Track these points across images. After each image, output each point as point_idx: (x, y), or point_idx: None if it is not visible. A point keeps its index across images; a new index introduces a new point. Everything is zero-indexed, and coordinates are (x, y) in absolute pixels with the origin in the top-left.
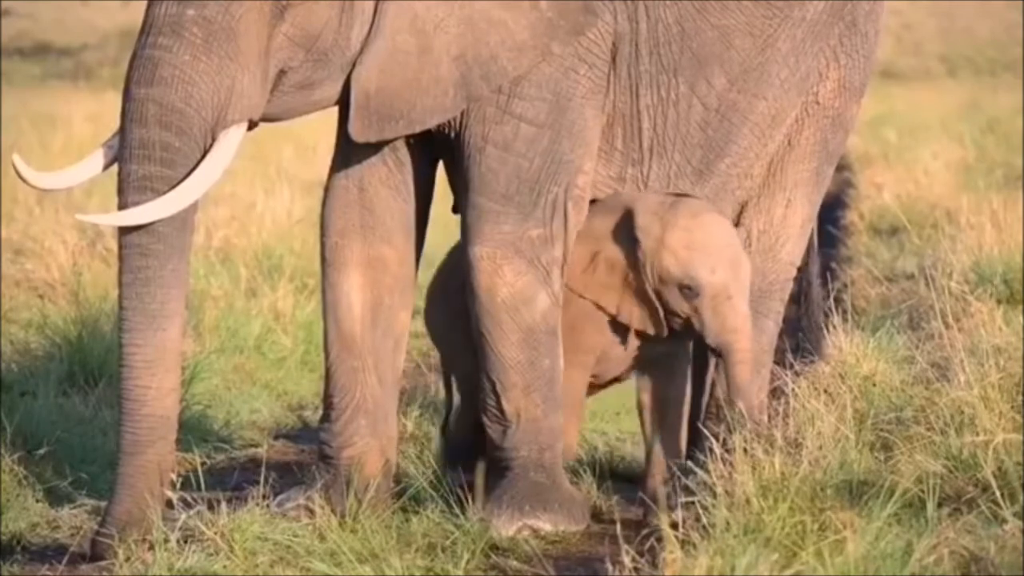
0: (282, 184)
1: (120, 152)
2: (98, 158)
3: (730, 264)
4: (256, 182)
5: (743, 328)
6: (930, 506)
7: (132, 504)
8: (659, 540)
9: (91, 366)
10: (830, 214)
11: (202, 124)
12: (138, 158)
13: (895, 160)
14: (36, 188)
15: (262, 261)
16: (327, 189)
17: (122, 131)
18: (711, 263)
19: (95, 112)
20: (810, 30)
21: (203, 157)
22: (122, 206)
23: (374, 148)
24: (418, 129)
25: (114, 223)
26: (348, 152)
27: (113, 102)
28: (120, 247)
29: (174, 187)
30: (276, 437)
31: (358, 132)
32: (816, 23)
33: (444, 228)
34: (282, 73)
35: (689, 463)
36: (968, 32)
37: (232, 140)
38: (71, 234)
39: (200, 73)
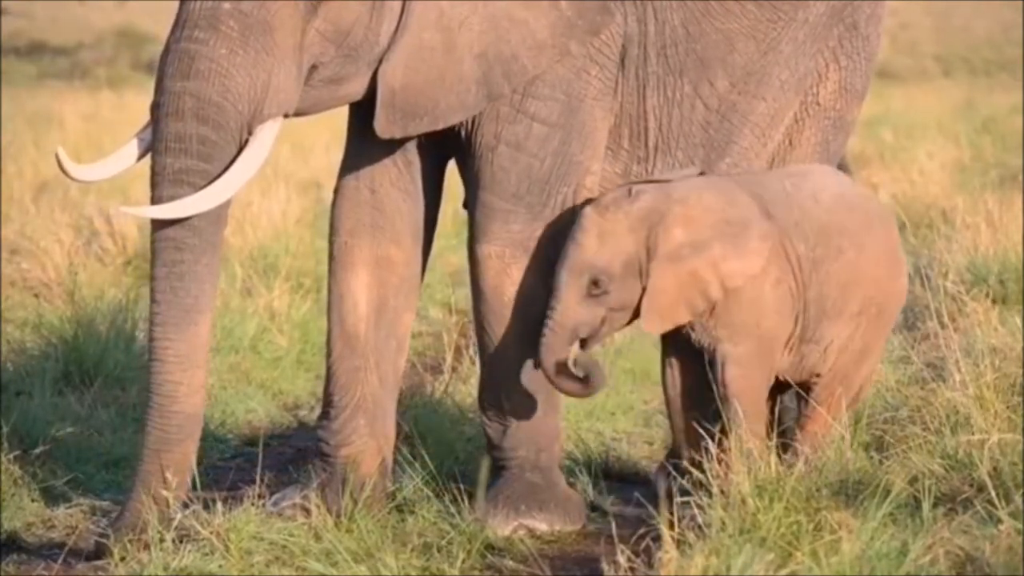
0: (278, 184)
1: (154, 145)
2: (132, 150)
3: (592, 247)
4: (252, 181)
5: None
6: (925, 506)
7: (152, 503)
8: (655, 540)
9: (87, 365)
10: None
11: (239, 118)
12: (174, 152)
13: (891, 160)
14: (76, 181)
15: (258, 260)
16: (337, 189)
17: (156, 124)
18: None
19: (91, 111)
20: (811, 31)
21: (239, 152)
22: (156, 199)
23: (385, 149)
24: (441, 126)
25: (153, 216)
26: (359, 152)
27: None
28: (153, 241)
29: (210, 181)
30: (272, 436)
31: (383, 128)
32: (816, 24)
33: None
34: (313, 68)
35: (685, 463)
36: (964, 32)
37: (269, 134)
38: (67, 233)
39: (237, 67)
